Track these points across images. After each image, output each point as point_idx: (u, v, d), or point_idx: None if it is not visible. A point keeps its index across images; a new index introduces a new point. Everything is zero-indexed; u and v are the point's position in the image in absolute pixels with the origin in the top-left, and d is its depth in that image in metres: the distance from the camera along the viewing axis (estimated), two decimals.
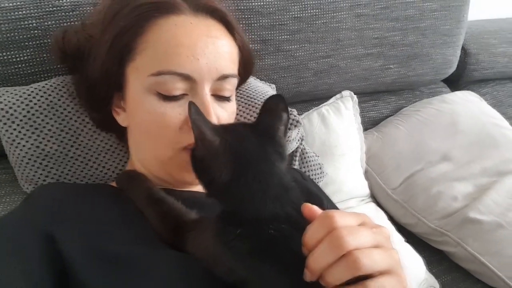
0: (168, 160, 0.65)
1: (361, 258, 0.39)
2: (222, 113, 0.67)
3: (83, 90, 0.73)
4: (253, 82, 0.94)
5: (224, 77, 0.65)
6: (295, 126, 0.87)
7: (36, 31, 0.82)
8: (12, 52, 0.81)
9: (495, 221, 1.00)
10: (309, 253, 0.41)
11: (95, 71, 0.67)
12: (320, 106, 1.16)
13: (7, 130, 0.75)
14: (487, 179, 1.09)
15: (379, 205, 1.17)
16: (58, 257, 0.53)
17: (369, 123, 1.30)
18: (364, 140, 1.20)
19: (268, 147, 0.50)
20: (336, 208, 0.81)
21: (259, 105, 0.87)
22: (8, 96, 0.76)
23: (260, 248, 0.44)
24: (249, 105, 0.87)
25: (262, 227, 0.44)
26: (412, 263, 1.01)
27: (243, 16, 0.99)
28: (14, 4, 0.80)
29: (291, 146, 0.93)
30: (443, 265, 1.08)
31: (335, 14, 1.09)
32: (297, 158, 0.97)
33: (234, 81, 0.69)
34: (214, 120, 0.63)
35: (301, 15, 1.05)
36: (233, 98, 0.71)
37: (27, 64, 0.82)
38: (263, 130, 0.52)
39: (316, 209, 0.44)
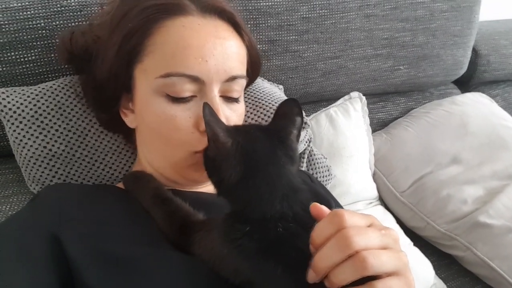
0: (180, 161, 0.65)
1: (369, 258, 0.39)
2: (231, 114, 0.67)
3: (90, 91, 0.73)
4: (261, 83, 0.94)
5: (232, 78, 0.64)
6: (303, 127, 0.86)
7: (43, 31, 0.82)
8: (19, 52, 0.81)
9: (506, 225, 0.99)
10: (316, 251, 0.41)
11: (103, 72, 0.67)
12: (328, 107, 1.15)
13: (14, 130, 0.75)
14: (498, 182, 1.08)
15: (387, 208, 1.16)
16: (64, 258, 0.53)
17: (378, 125, 1.30)
18: (373, 142, 1.19)
19: (278, 150, 0.51)
20: None
21: (266, 106, 0.87)
22: (15, 96, 0.76)
23: (267, 247, 0.44)
24: (256, 106, 0.87)
25: (270, 226, 0.45)
26: (421, 267, 1.00)
27: (251, 16, 0.99)
28: (22, 4, 0.80)
29: (299, 148, 0.92)
30: (452, 270, 1.07)
31: (344, 14, 1.08)
32: (305, 160, 0.97)
33: (243, 82, 0.68)
34: (223, 121, 0.62)
35: (310, 15, 1.05)
36: (242, 99, 0.71)
37: (34, 64, 0.82)
38: (275, 134, 0.52)
39: (324, 208, 0.44)
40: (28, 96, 0.76)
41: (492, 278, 1.00)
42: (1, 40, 0.80)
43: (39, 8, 0.81)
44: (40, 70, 0.83)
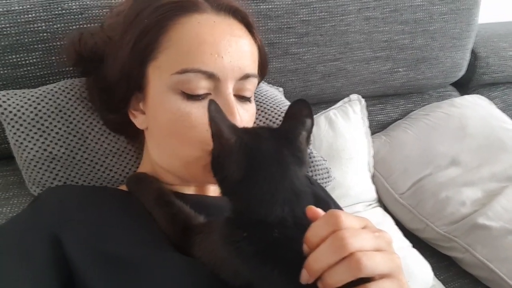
0: (194, 160, 0.63)
1: (363, 260, 0.39)
2: (244, 114, 0.66)
3: (98, 92, 0.73)
4: (261, 86, 0.94)
5: (246, 77, 0.64)
6: None
7: (44, 34, 0.82)
8: (20, 55, 0.81)
9: (504, 227, 0.99)
10: (310, 252, 0.41)
11: (114, 72, 0.67)
12: (328, 109, 1.16)
13: (15, 133, 0.75)
14: (496, 184, 1.08)
15: (386, 209, 1.17)
16: (65, 260, 0.53)
17: (377, 127, 1.30)
18: (372, 144, 1.19)
19: (284, 150, 0.50)
20: None
21: (266, 108, 0.87)
22: (16, 99, 0.76)
23: (264, 250, 0.44)
24: (258, 109, 0.87)
25: (267, 230, 0.45)
26: (420, 269, 1.00)
27: None
28: (23, 7, 0.80)
29: None
30: (451, 271, 1.07)
31: (343, 17, 1.09)
32: None
33: (255, 81, 0.68)
34: (238, 120, 0.62)
35: (309, 18, 1.05)
36: (253, 99, 0.71)
37: (35, 67, 0.83)
38: (283, 134, 0.51)
39: (319, 211, 0.44)
40: (29, 99, 0.76)
41: (491, 280, 1.00)
42: (2, 43, 0.80)
43: (40, 11, 0.81)
44: (41, 73, 0.83)
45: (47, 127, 0.75)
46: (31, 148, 0.75)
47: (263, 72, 0.79)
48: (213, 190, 0.74)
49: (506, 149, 1.14)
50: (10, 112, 0.75)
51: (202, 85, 0.61)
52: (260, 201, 0.47)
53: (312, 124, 0.53)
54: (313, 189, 0.82)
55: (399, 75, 1.25)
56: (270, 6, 1.00)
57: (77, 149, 0.77)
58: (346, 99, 1.17)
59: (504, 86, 1.50)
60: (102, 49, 0.71)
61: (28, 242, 0.54)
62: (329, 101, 1.19)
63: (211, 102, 0.50)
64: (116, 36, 0.67)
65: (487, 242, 1.00)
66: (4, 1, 0.80)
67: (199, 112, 0.62)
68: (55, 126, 0.76)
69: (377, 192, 1.17)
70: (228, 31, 0.63)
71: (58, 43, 0.83)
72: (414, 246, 1.06)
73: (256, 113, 0.86)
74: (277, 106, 0.88)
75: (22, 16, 0.80)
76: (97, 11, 0.84)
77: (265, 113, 0.86)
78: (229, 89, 0.62)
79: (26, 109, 0.75)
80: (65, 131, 0.76)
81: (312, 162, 0.98)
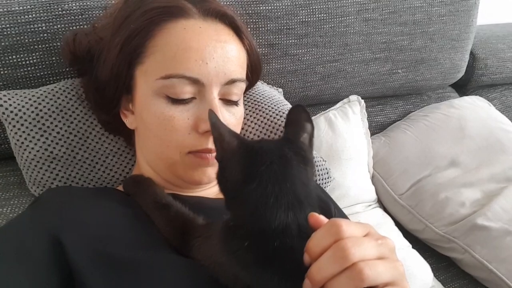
0: (174, 163, 0.66)
1: (366, 269, 0.39)
2: (230, 117, 0.67)
3: (92, 92, 0.74)
4: (260, 86, 0.94)
5: (232, 82, 0.65)
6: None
7: (45, 35, 0.82)
8: (21, 55, 0.82)
9: (504, 228, 0.99)
10: (313, 262, 0.41)
11: (104, 72, 0.68)
12: (327, 110, 1.16)
13: (16, 133, 0.75)
14: (496, 185, 1.08)
15: (386, 210, 1.17)
16: (65, 261, 0.53)
17: (377, 128, 1.30)
18: (371, 145, 1.19)
19: (285, 148, 0.49)
20: (344, 214, 0.81)
21: (265, 109, 0.87)
22: (17, 99, 0.77)
23: (264, 259, 0.43)
24: (255, 109, 0.87)
25: (269, 240, 0.44)
26: (419, 270, 1.00)
27: (251, 20, 0.99)
28: (23, 8, 0.81)
29: None
30: (451, 272, 1.07)
31: (342, 18, 1.09)
32: None
33: (242, 86, 0.69)
34: None
35: (309, 19, 1.05)
36: (241, 102, 0.71)
37: (36, 67, 0.83)
38: (285, 137, 0.51)
39: (322, 218, 0.44)
40: (30, 99, 0.77)
41: (490, 281, 1.00)
42: (3, 43, 0.80)
43: (41, 11, 0.82)
44: (42, 73, 0.84)
45: (47, 127, 0.76)
46: (32, 148, 0.75)
47: (255, 76, 0.79)
48: (212, 192, 0.74)
49: (505, 150, 1.15)
50: (11, 112, 0.75)
51: (187, 90, 0.62)
52: (264, 205, 0.45)
53: (313, 128, 0.52)
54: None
55: (398, 76, 1.25)
56: (269, 8, 1.00)
57: (78, 149, 0.77)
58: (345, 100, 1.18)
59: (502, 88, 1.51)
60: (95, 49, 0.71)
61: (28, 243, 0.54)
62: (328, 102, 1.20)
63: (211, 112, 0.51)
64: (107, 37, 0.68)
65: (486, 242, 1.00)
66: (4, 2, 0.80)
67: (182, 115, 0.63)
68: (56, 126, 0.76)
69: (377, 192, 1.17)
70: (214, 37, 0.64)
71: (58, 43, 0.83)
72: (413, 247, 1.06)
73: (254, 112, 0.87)
74: (275, 106, 0.88)
75: (22, 17, 0.81)
76: (97, 12, 0.85)
77: (263, 112, 0.87)
78: (213, 94, 0.63)
79: (27, 109, 0.76)
80: (65, 131, 0.77)
81: None
